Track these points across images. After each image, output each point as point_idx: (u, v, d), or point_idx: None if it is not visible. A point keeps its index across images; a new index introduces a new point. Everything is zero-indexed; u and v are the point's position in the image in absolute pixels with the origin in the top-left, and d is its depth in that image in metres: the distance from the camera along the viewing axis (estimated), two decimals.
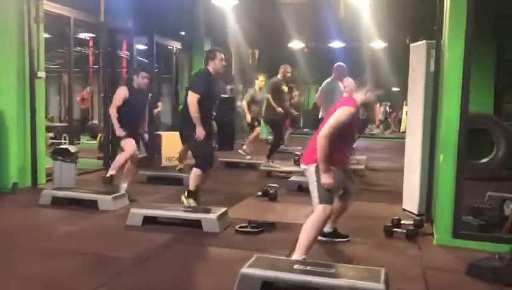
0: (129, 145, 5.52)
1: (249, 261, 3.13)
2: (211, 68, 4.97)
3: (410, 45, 5.36)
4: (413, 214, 5.15)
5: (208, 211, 4.58)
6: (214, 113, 5.46)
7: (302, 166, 3.70)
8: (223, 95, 12.06)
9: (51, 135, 11.86)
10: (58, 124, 13.30)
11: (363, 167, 8.30)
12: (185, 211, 4.60)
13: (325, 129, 3.47)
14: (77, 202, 5.28)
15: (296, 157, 9.68)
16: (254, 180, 7.46)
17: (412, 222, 4.59)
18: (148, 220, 4.57)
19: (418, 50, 5.15)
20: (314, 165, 3.53)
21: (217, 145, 11.95)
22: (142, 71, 5.70)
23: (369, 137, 19.91)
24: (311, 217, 3.47)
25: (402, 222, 4.60)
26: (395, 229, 4.45)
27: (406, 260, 3.81)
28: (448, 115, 4.12)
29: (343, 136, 3.57)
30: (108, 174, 5.50)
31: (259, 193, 6.04)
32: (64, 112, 14.96)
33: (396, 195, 5.89)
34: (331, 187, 3.44)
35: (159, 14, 8.88)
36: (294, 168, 7.83)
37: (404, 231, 4.38)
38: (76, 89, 12.85)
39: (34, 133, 6.10)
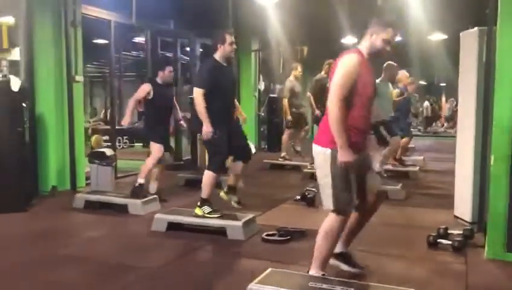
0: (156, 149, 5.38)
1: (261, 275, 2.84)
2: (218, 55, 4.37)
3: (461, 33, 4.80)
4: (466, 222, 4.61)
5: (233, 218, 4.31)
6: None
7: (314, 147, 2.89)
8: (271, 95, 11.88)
9: (106, 137, 12.15)
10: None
11: (416, 169, 7.70)
12: (209, 217, 4.35)
13: (332, 91, 2.74)
14: (109, 206, 5.21)
15: None
16: (297, 183, 7.10)
17: (461, 232, 4.07)
18: (172, 226, 4.39)
19: (469, 38, 4.59)
20: (329, 149, 2.76)
21: (266, 146, 11.73)
22: (167, 65, 5.58)
23: (432, 136, 18.92)
24: (323, 226, 2.87)
25: (449, 231, 4.09)
26: (440, 240, 3.96)
27: (448, 277, 3.33)
28: (499, 110, 3.59)
29: (355, 98, 2.76)
30: (137, 184, 5.33)
31: (298, 197, 5.71)
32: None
33: (449, 200, 5.30)
34: (349, 168, 2.71)
35: (201, 14, 8.75)
36: None
37: (450, 243, 3.89)
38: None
39: (72, 137, 6.13)
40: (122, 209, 5.10)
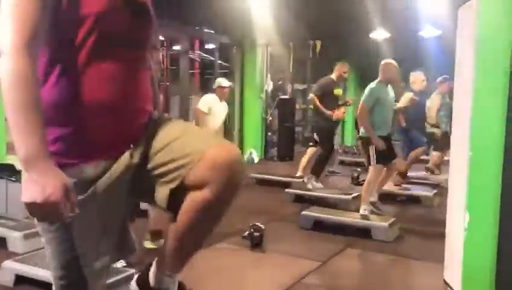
0: None
1: None
2: None
3: (459, 11, 3.21)
4: None
5: None
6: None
7: None
8: (282, 96, 10.42)
9: None
10: None
11: (431, 193, 6.02)
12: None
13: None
14: None
15: (355, 174, 7.67)
16: (272, 207, 5.67)
17: None
18: (22, 280, 3.14)
19: (467, 14, 3.01)
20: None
21: (276, 155, 10.26)
22: None
23: None
24: None
25: None
26: None
27: None
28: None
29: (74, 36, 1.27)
30: None
31: (246, 233, 4.29)
32: None
33: None
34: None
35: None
36: (333, 193, 5.90)
37: None
38: None
39: None
40: (3, 243, 3.94)
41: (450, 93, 7.82)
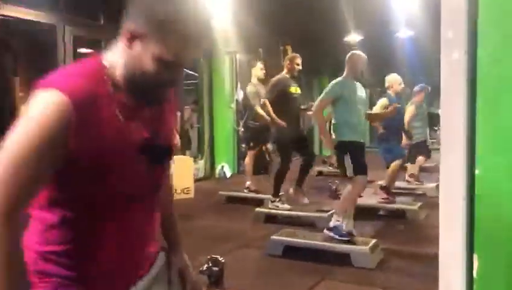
0: None
1: None
2: None
3: None
4: None
5: None
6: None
7: None
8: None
9: None
10: None
11: (416, 206, 5.46)
12: None
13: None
14: None
15: (334, 187, 7.09)
16: (240, 230, 5.05)
17: None
18: None
19: None
20: None
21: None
22: None
23: None
24: None
25: None
26: None
27: None
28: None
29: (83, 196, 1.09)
30: None
31: (204, 267, 3.64)
32: None
33: None
34: None
35: None
36: (308, 211, 5.29)
37: None
38: None
39: None
40: None
41: (426, 99, 7.41)
